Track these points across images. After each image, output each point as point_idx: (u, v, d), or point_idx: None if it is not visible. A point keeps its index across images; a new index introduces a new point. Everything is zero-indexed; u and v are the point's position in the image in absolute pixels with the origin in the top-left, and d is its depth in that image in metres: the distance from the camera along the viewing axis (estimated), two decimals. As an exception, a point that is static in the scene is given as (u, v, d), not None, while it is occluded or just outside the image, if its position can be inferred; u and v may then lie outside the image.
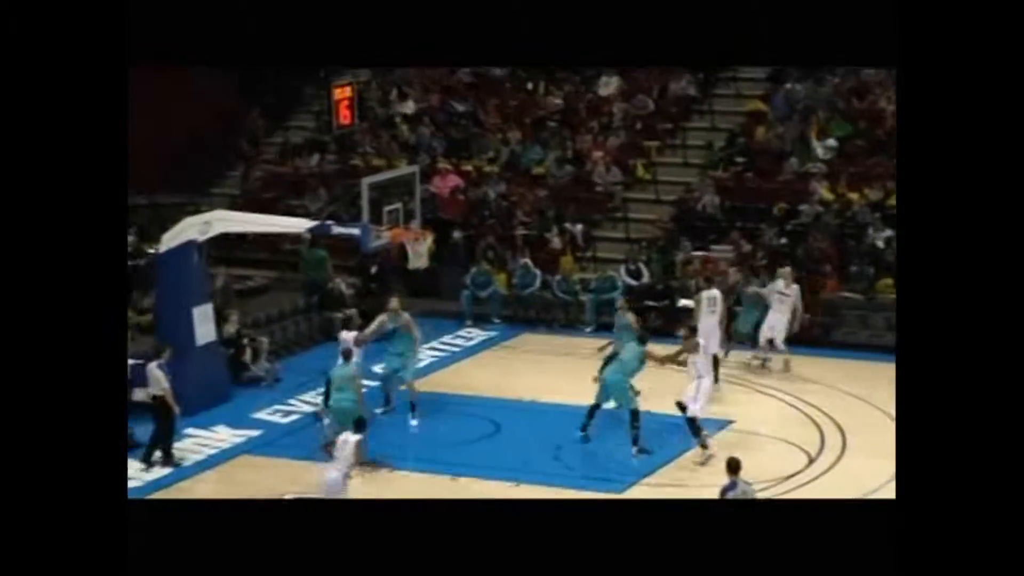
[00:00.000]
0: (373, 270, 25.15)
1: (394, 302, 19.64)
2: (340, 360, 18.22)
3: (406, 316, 19.48)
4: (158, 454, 17.81)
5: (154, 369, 17.89)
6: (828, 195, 25.14)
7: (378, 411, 19.10)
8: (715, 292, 20.55)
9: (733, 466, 13.80)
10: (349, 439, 15.64)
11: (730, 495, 13.57)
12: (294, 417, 19.70)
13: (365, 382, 18.58)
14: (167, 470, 17.63)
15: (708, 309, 20.28)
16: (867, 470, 16.77)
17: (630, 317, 19.93)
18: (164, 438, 17.85)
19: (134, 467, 17.44)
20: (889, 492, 14.23)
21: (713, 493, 13.88)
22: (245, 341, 21.25)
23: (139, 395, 17.94)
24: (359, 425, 15.89)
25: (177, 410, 17.85)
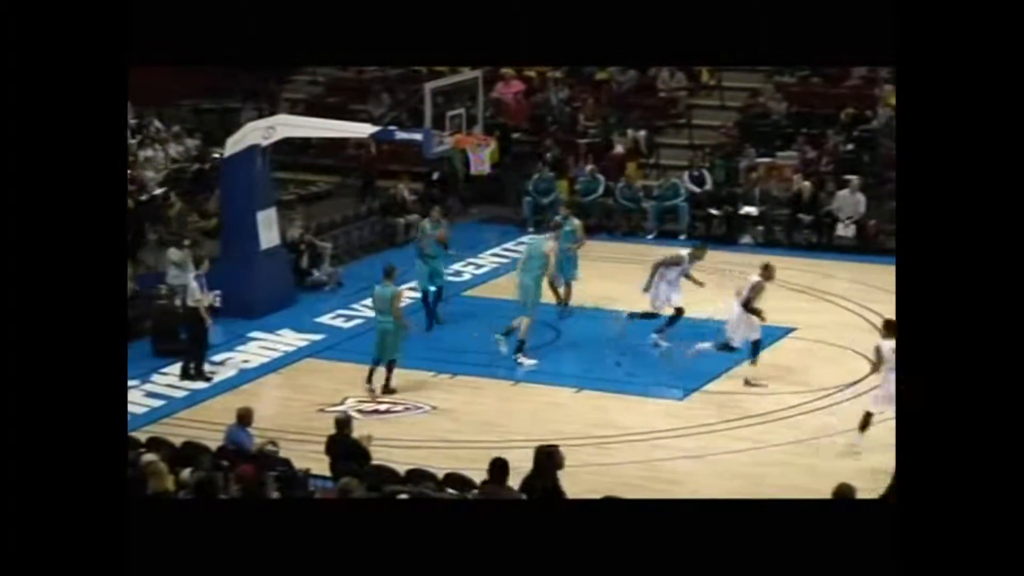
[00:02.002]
0: (435, 176, 25.13)
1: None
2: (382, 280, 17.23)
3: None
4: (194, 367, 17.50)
5: (191, 280, 17.63)
6: (896, 101, 24.82)
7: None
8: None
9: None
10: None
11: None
12: (357, 322, 19.83)
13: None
14: (200, 384, 17.33)
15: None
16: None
17: (576, 222, 20.05)
18: (194, 351, 17.59)
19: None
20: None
21: (767, 403, 13.52)
22: (303, 246, 21.24)
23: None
24: None
25: (209, 322, 17.54)
